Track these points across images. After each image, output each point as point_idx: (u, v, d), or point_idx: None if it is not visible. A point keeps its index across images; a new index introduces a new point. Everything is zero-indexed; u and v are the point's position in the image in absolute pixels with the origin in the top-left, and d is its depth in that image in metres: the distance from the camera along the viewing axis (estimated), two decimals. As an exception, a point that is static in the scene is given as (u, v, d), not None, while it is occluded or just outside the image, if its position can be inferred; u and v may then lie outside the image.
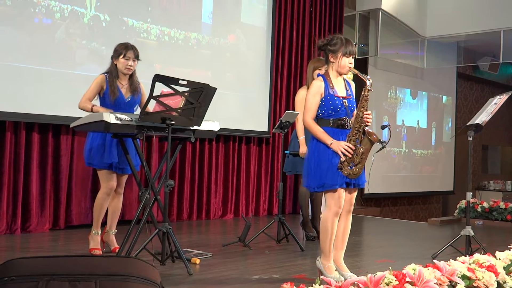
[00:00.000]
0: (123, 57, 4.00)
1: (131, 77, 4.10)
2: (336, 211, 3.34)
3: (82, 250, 4.24)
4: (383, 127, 3.63)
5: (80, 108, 3.99)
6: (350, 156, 3.26)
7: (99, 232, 4.15)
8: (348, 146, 3.26)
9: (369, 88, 3.33)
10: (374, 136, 3.25)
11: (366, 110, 3.31)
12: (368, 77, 3.36)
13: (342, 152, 3.25)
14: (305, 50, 7.64)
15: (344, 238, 3.50)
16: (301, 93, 5.05)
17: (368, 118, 3.30)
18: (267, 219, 6.43)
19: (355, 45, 8.83)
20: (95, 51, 5.42)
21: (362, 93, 3.33)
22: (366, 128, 3.32)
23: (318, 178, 3.32)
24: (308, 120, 3.37)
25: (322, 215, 3.41)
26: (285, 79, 7.41)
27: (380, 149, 3.36)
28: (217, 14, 6.55)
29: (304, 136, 4.89)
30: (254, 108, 6.97)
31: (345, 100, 3.40)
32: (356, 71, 3.42)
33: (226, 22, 6.67)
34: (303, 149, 4.85)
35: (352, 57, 3.42)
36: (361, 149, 3.27)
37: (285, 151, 5.34)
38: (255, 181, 7.11)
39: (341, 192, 3.33)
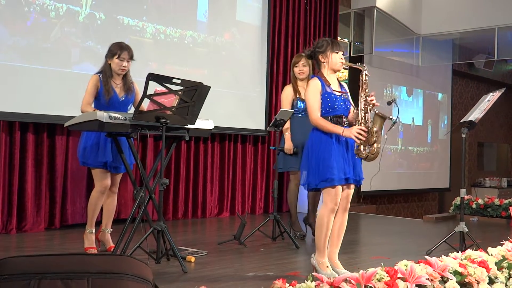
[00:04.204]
0: (117, 58, 4.00)
1: (125, 76, 4.10)
2: (332, 207, 3.36)
3: (77, 249, 4.24)
4: (389, 103, 3.64)
5: (81, 112, 3.99)
6: (365, 138, 3.29)
7: (93, 231, 4.15)
8: (361, 129, 3.29)
9: (366, 73, 3.41)
10: (382, 114, 3.31)
11: (368, 93, 3.36)
12: (363, 64, 3.46)
13: (356, 136, 3.28)
14: (300, 48, 7.64)
15: (340, 235, 3.53)
16: (287, 90, 5.16)
17: (372, 100, 3.35)
18: (263, 217, 6.44)
19: (350, 43, 8.91)
20: (90, 50, 5.43)
21: (361, 78, 3.40)
22: (374, 109, 3.37)
23: (320, 174, 3.34)
24: (315, 117, 3.39)
25: (318, 211, 3.44)
26: (281, 77, 7.42)
27: (392, 125, 3.40)
28: (212, 12, 6.56)
29: (289, 133, 4.99)
30: (250, 106, 6.98)
31: (342, 95, 3.45)
32: (349, 63, 3.58)
33: (221, 20, 6.68)
34: (288, 144, 4.97)
35: (342, 53, 3.48)
36: (374, 128, 3.30)
37: (270, 147, 5.37)
38: (251, 179, 7.12)
39: (338, 189, 3.35)
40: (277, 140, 5.05)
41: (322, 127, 3.37)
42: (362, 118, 3.34)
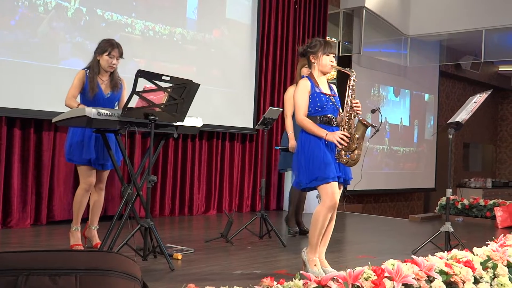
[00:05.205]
0: (107, 55, 3.98)
1: (112, 73, 4.08)
2: (329, 205, 3.36)
3: (64, 246, 4.21)
4: (373, 111, 3.67)
5: (66, 105, 3.97)
6: (346, 144, 3.31)
7: (79, 228, 4.12)
8: (344, 134, 3.31)
9: (354, 79, 3.41)
10: (365, 122, 3.33)
11: (354, 99, 3.38)
12: (352, 70, 3.46)
13: (338, 141, 3.30)
14: (290, 47, 7.66)
15: (328, 234, 3.54)
16: (290, 90, 5.13)
17: (357, 106, 3.37)
18: (250, 215, 6.45)
19: (339, 42, 8.93)
20: (78, 45, 5.39)
21: (348, 83, 3.41)
22: (358, 116, 3.39)
23: (310, 173, 3.35)
24: (300, 117, 3.42)
25: (316, 208, 3.45)
26: (270, 75, 7.43)
27: (374, 133, 3.42)
28: (201, 9, 6.55)
29: (292, 132, 4.98)
30: (239, 104, 6.99)
31: (331, 97, 3.47)
32: (338, 67, 3.58)
33: (211, 17, 6.67)
34: (292, 143, 4.95)
35: (333, 56, 3.49)
36: (356, 134, 3.33)
37: (275, 147, 5.37)
38: (239, 177, 7.13)
39: (334, 186, 3.36)
40: (266, 139, 5.04)
41: (306, 128, 3.40)
42: (345, 124, 3.37)
